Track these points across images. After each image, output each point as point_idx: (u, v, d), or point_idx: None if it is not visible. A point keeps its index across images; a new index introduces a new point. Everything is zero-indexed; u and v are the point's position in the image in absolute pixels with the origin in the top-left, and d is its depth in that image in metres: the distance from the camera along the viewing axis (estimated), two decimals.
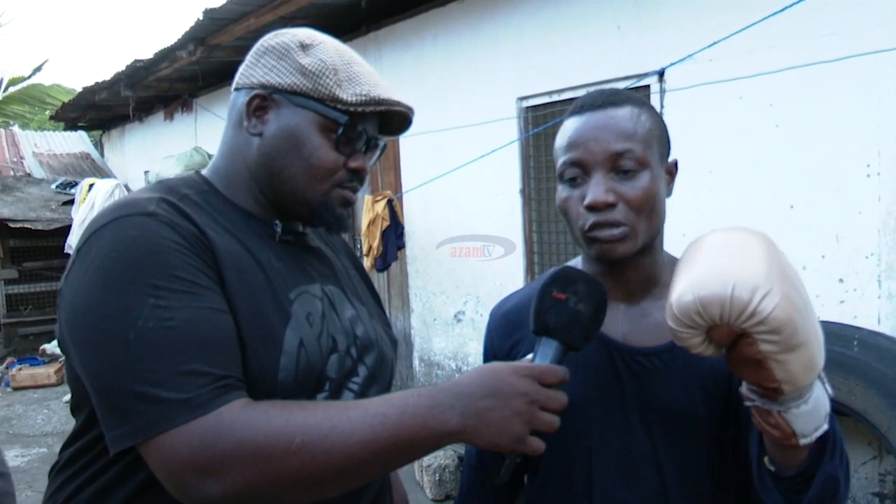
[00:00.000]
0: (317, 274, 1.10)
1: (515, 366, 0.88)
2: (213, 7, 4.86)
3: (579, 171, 1.00)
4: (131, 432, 0.83)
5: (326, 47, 1.04)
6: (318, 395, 1.01)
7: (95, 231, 0.92)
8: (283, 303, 0.99)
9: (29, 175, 10.00)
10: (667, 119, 3.14)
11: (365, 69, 1.06)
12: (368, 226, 4.35)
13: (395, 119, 1.11)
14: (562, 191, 1.03)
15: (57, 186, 9.20)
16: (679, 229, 3.20)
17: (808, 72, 2.67)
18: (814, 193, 2.74)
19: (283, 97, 1.02)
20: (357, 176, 1.06)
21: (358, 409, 0.87)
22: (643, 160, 0.98)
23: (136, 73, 6.87)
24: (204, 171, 1.10)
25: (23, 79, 14.09)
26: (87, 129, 11.82)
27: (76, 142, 11.92)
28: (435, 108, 4.57)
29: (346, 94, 1.01)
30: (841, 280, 2.69)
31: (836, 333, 2.48)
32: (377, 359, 1.13)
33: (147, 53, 6.35)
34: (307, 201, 1.04)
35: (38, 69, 14.29)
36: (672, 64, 3.11)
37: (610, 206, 0.97)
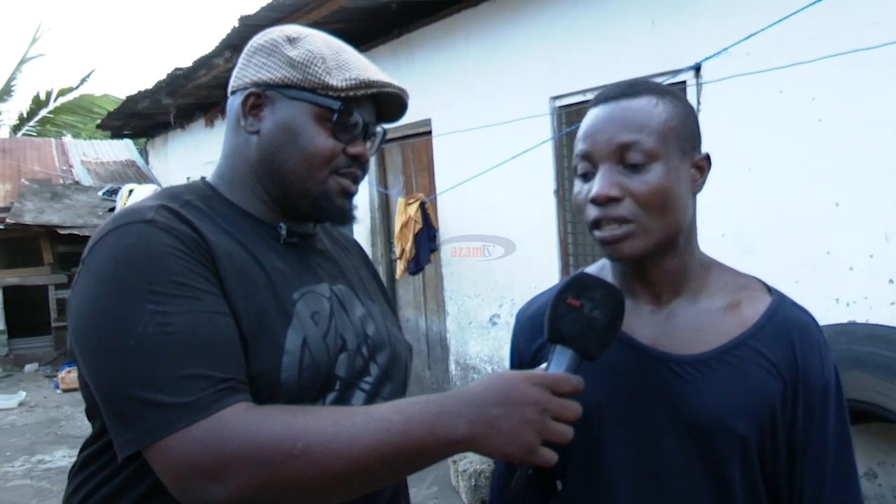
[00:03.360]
0: (325, 274, 1.09)
1: (527, 374, 0.85)
2: (247, 14, 4.90)
3: (589, 164, 0.96)
4: (135, 438, 0.84)
5: (314, 39, 1.04)
6: (327, 395, 1.00)
7: (97, 241, 0.93)
8: (286, 303, 0.98)
9: (77, 183, 10.28)
10: (704, 115, 3.07)
11: (354, 56, 1.05)
12: (401, 228, 4.34)
13: (392, 104, 1.10)
14: (575, 186, 1.00)
15: (103, 193, 9.44)
16: (718, 229, 3.10)
17: (851, 63, 2.55)
18: (860, 190, 2.61)
19: (276, 92, 1.02)
20: (357, 162, 1.05)
21: (363, 414, 0.85)
22: (653, 153, 0.92)
23: (176, 82, 7.00)
24: (208, 177, 1.10)
25: (71, 89, 14.54)
26: (132, 136, 12.11)
27: (122, 150, 12.22)
28: (468, 110, 4.53)
29: (336, 80, 1.00)
30: (891, 281, 2.56)
31: (885, 337, 2.36)
32: (390, 358, 1.12)
33: (188, 61, 6.45)
34: (308, 192, 1.03)
35: (86, 79, 14.75)
36: (708, 58, 3.01)
37: (614, 201, 0.92)
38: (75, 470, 1.03)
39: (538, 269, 4.17)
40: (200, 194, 1.04)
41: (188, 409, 0.83)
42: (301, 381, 0.95)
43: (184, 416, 0.82)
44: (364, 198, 5.75)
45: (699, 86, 3.11)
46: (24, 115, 14.49)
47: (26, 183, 9.47)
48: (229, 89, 1.08)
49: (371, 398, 1.06)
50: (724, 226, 3.07)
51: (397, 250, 4.47)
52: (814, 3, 2.54)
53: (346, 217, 1.09)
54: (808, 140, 2.74)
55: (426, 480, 4.27)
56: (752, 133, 2.93)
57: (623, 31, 3.47)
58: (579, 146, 0.97)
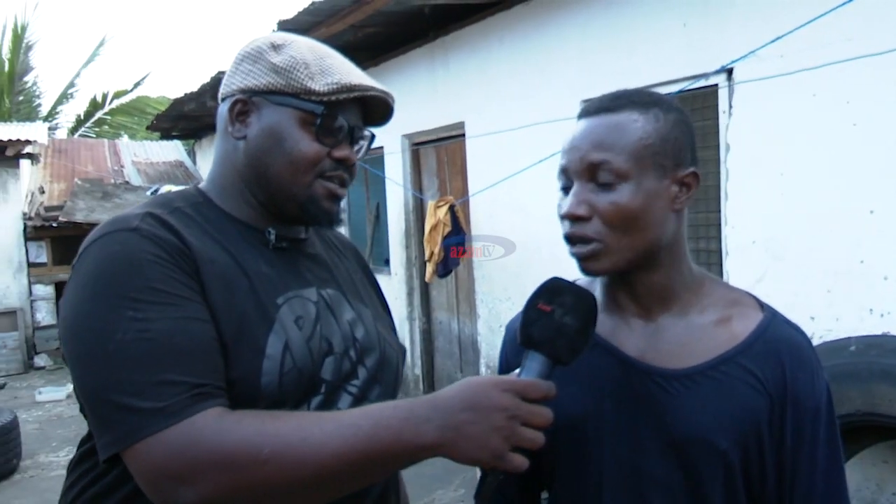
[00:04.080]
0: (314, 278, 1.10)
1: (497, 380, 0.85)
2: (285, 19, 4.98)
3: (567, 179, 0.97)
4: (113, 441, 0.86)
5: (298, 45, 1.06)
6: (313, 399, 1.02)
7: (85, 248, 0.96)
8: (268, 308, 1.00)
9: (127, 183, 10.59)
10: (735, 119, 3.01)
11: (338, 61, 1.07)
12: (430, 231, 4.35)
13: (378, 108, 1.12)
14: (558, 198, 1.00)
15: (151, 193, 9.71)
16: (749, 236, 3.03)
17: (888, 65, 2.46)
18: None
19: (261, 98, 1.04)
20: (343, 165, 1.06)
21: (332, 420, 0.86)
22: (623, 172, 0.92)
23: (219, 84, 7.14)
24: (201, 184, 1.12)
25: (126, 92, 15.02)
26: (181, 138, 12.42)
27: (171, 151, 12.55)
28: (501, 112, 4.52)
29: (319, 84, 1.02)
30: None
31: None
32: (379, 361, 1.13)
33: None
34: (294, 196, 1.05)
35: (140, 83, 15.21)
36: (739, 58, 2.94)
37: (582, 219, 0.93)
38: (73, 465, 1.06)
39: (569, 273, 4.12)
40: (191, 201, 1.06)
41: (161, 413, 0.85)
42: (282, 385, 0.97)
43: (157, 420, 0.84)
44: (398, 201, 5.79)
45: (731, 89, 3.04)
46: (81, 117, 15.01)
47: (79, 182, 9.80)
48: (219, 98, 1.10)
49: (358, 401, 1.06)
50: (755, 232, 2.99)
51: (426, 253, 4.49)
52: (846, 2, 2.46)
53: (334, 220, 1.10)
54: (842, 145, 2.66)
55: (453, 483, 4.27)
56: (785, 137, 2.85)
57: (655, 33, 3.42)
58: (560, 161, 0.97)
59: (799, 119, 2.79)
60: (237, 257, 1.01)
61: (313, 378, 1.01)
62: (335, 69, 1.04)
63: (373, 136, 1.13)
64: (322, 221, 1.09)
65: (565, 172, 0.96)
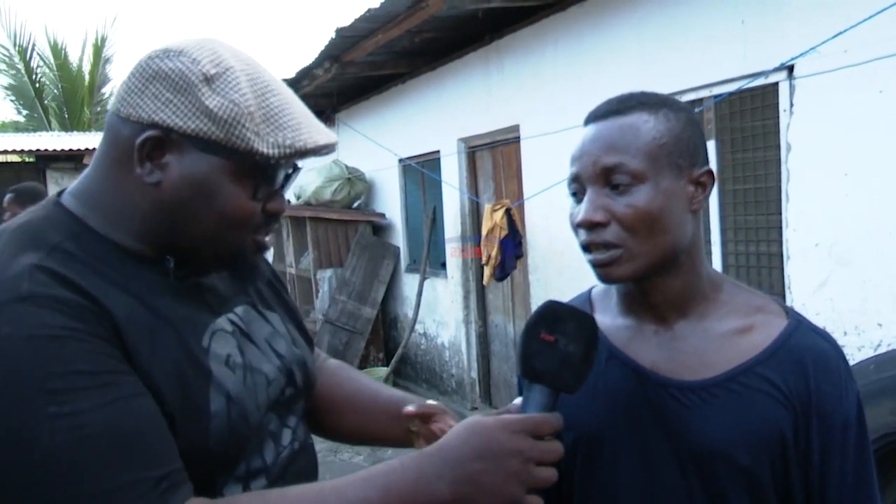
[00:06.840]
0: (218, 301, 0.97)
1: (505, 421, 0.80)
2: (342, 26, 5.07)
3: (579, 186, 0.95)
4: None
5: (236, 78, 0.86)
6: (280, 424, 0.99)
7: None
8: (199, 357, 0.88)
9: None
10: (797, 117, 2.91)
11: (282, 99, 0.90)
12: (487, 235, 4.34)
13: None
14: (570, 206, 0.98)
15: None
16: (811, 239, 2.92)
17: None
18: None
19: (185, 141, 0.85)
20: (275, 218, 0.95)
21: (335, 496, 0.80)
22: (639, 174, 0.89)
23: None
24: (69, 202, 0.91)
25: None
26: None
27: None
28: (555, 115, 4.49)
29: (266, 144, 0.85)
30: None
31: None
32: (302, 370, 1.06)
33: (292, 72, 6.73)
34: (219, 253, 0.92)
35: None
36: (800, 55, 2.84)
37: (600, 226, 0.90)
38: None
39: None
40: (67, 232, 0.86)
41: None
42: (231, 436, 0.88)
43: None
44: (454, 204, 5.81)
45: (792, 86, 2.94)
46: None
47: None
48: (113, 107, 0.89)
49: (298, 419, 1.05)
50: (818, 235, 2.88)
51: (483, 256, 4.49)
52: None
53: (256, 273, 0.99)
54: None
55: None
56: (849, 136, 2.73)
57: (712, 31, 3.33)
58: (570, 169, 0.96)
59: (864, 117, 2.67)
60: (148, 302, 0.85)
61: (259, 413, 0.94)
62: (283, 119, 0.88)
63: (298, 169, 0.97)
64: (245, 276, 0.99)
65: (577, 179, 0.94)
